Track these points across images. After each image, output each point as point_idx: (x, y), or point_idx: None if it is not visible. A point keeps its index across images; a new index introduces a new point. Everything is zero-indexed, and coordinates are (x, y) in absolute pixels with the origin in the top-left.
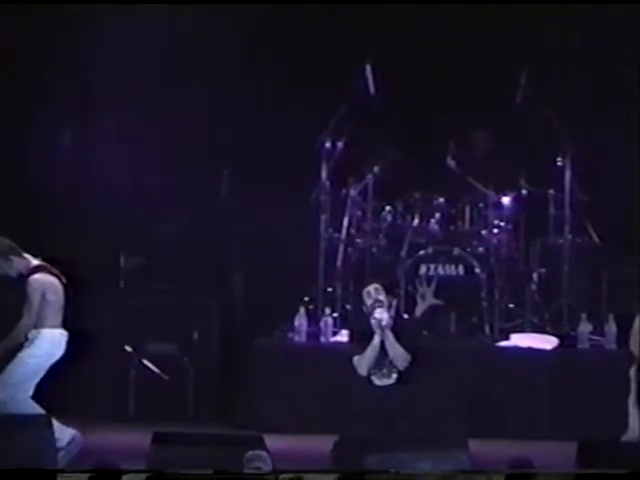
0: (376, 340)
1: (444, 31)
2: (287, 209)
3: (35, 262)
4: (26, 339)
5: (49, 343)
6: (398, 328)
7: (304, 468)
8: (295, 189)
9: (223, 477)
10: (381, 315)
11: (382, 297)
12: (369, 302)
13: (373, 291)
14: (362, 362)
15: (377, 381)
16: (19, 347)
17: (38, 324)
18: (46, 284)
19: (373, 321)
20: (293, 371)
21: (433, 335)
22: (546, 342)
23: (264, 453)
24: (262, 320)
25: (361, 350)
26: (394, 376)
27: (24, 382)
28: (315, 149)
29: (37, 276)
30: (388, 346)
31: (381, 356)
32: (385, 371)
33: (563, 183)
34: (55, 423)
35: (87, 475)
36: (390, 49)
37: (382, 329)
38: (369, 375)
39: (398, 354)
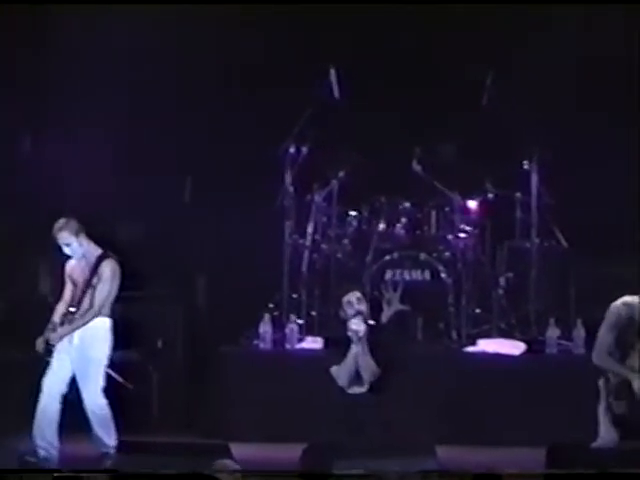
0: (354, 350)
1: (408, 34)
2: (251, 215)
3: (98, 248)
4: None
5: (107, 333)
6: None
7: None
8: (259, 195)
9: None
10: (358, 326)
11: (364, 307)
12: (350, 312)
13: (355, 301)
14: (341, 373)
15: (349, 389)
16: (84, 341)
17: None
18: (118, 272)
19: (350, 332)
20: (259, 378)
21: (400, 341)
22: (514, 347)
23: (230, 462)
24: (227, 327)
25: (336, 358)
26: (366, 385)
27: (101, 381)
28: (279, 154)
29: (112, 262)
30: (360, 357)
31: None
32: (358, 380)
33: (530, 186)
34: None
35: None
36: (354, 53)
37: (359, 339)
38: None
39: (368, 367)
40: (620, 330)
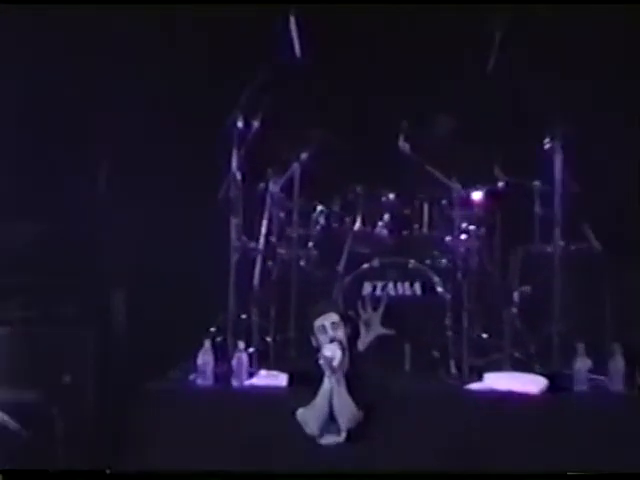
0: (327, 386)
1: None
2: (186, 211)
3: None
4: None
5: None
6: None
7: None
8: (197, 184)
9: None
10: (333, 352)
11: (341, 334)
12: (323, 340)
13: (329, 326)
14: (310, 417)
15: (321, 439)
16: None
17: None
18: None
19: (322, 361)
20: (197, 424)
21: (382, 375)
22: (532, 383)
23: None
24: (154, 358)
25: (303, 399)
26: (343, 433)
27: None
28: (223, 130)
29: None
30: (335, 396)
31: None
32: (333, 427)
33: (552, 172)
34: None
35: None
36: None
37: (333, 371)
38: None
39: (346, 409)
40: None
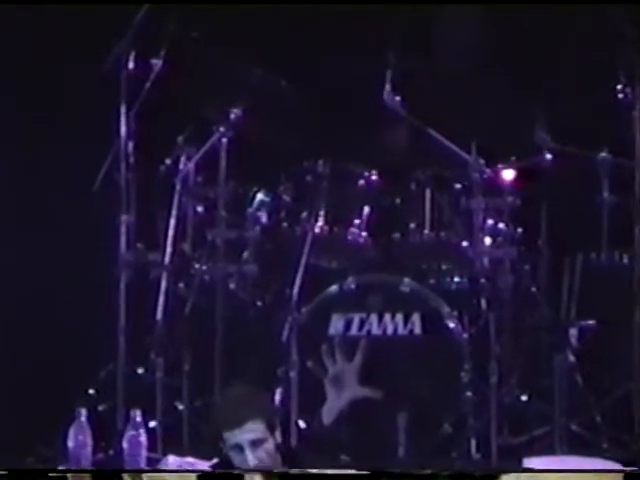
0: None
1: None
2: (45, 206)
3: None
4: None
5: None
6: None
7: None
8: (62, 165)
9: None
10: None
11: (267, 456)
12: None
13: (248, 446)
14: None
15: None
16: None
17: None
18: None
19: None
20: None
21: (360, 464)
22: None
23: None
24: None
25: None
26: None
27: None
28: (107, 74)
29: None
30: None
31: None
32: None
33: (630, 137)
34: None
35: None
36: None
37: None
38: None
39: None
40: None
